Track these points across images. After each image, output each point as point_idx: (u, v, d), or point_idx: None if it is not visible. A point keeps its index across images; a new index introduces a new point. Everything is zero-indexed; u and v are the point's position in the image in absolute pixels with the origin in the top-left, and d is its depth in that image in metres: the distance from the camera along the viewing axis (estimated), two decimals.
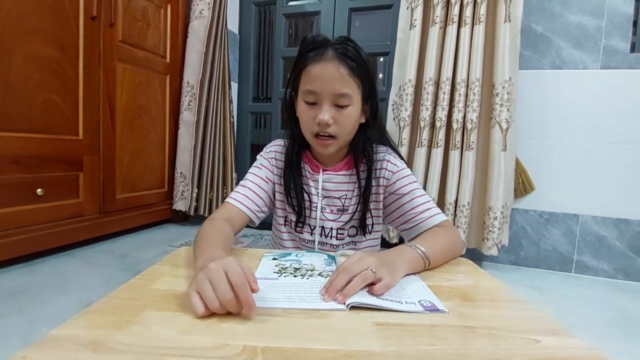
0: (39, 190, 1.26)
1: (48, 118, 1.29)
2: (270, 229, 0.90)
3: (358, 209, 0.77)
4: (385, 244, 1.43)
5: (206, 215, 1.94)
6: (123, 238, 1.67)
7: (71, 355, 0.32)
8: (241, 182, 0.79)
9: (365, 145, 0.75)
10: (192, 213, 1.94)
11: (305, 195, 0.79)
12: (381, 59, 2.02)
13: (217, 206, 1.95)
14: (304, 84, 0.69)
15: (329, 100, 0.67)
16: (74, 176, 1.40)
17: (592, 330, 1.02)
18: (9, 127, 1.17)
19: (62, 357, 0.32)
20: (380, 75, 2.04)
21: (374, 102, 0.73)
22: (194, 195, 1.92)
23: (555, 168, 1.55)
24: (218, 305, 0.40)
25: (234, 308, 0.40)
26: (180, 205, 1.93)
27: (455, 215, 1.47)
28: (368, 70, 0.70)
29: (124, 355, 0.32)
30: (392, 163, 0.77)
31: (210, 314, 0.40)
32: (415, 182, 0.77)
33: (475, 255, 1.56)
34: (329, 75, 0.66)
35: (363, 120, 0.75)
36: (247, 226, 0.77)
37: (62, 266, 1.27)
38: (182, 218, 2.04)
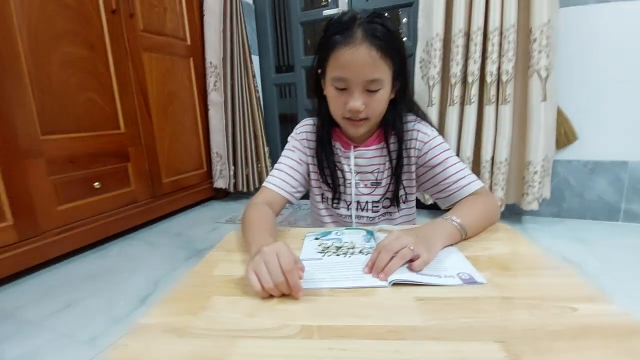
0: (96, 183, 1.38)
1: (91, 116, 1.38)
2: (308, 198, 0.93)
3: (392, 181, 0.79)
4: (421, 206, 1.44)
5: (245, 190, 2.04)
6: (174, 218, 1.82)
7: (163, 341, 0.39)
8: (275, 166, 0.82)
9: (395, 120, 0.75)
10: (232, 190, 2.05)
11: (339, 173, 0.81)
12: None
13: (254, 181, 2.04)
14: (332, 70, 0.67)
15: (360, 87, 0.66)
16: (123, 167, 1.52)
17: (638, 279, 1.01)
18: (60, 129, 1.27)
19: (157, 343, 0.38)
20: (405, 20, 1.93)
21: (403, 78, 0.72)
22: (231, 173, 2.01)
23: (601, 114, 1.44)
24: (272, 286, 0.45)
25: (285, 289, 0.45)
26: (220, 183, 2.04)
27: (492, 173, 1.44)
28: (399, 47, 0.67)
29: (203, 339, 0.39)
30: (422, 132, 0.76)
31: (268, 297, 0.46)
32: (448, 149, 0.76)
33: (515, 210, 1.54)
34: (359, 62, 0.63)
35: (393, 96, 0.74)
36: None
37: (127, 249, 1.42)
38: (223, 195, 2.16)
